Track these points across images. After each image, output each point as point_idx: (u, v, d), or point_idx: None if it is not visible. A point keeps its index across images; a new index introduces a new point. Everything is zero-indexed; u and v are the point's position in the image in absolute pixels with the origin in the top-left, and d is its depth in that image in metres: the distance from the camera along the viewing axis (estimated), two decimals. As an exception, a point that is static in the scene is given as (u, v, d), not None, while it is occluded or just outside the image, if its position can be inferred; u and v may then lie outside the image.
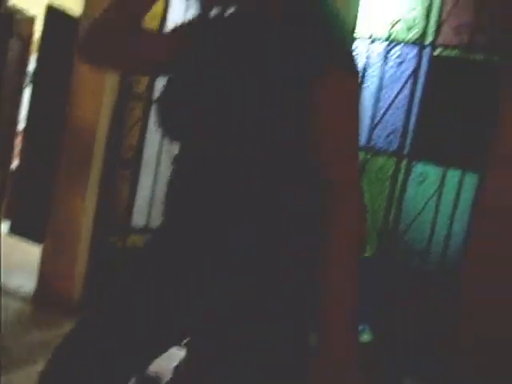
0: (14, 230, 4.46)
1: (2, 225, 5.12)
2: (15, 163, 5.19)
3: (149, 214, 3.80)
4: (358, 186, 1.14)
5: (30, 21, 4.81)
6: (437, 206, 3.05)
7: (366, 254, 3.18)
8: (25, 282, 4.05)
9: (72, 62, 3.84)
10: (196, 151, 1.19)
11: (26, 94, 5.05)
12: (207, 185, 1.16)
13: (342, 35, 1.13)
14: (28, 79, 5.06)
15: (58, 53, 4.35)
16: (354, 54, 1.16)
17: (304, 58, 1.09)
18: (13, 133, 5.07)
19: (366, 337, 2.91)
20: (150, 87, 3.92)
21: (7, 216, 4.92)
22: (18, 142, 5.24)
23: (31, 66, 5.04)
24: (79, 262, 3.90)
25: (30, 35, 4.83)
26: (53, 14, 4.32)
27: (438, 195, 3.07)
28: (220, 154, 1.14)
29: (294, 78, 1.09)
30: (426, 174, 3.11)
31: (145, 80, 3.94)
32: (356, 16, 3.23)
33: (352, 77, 1.14)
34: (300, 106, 1.10)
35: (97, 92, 3.84)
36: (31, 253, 4.36)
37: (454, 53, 3.11)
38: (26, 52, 4.86)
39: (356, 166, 1.15)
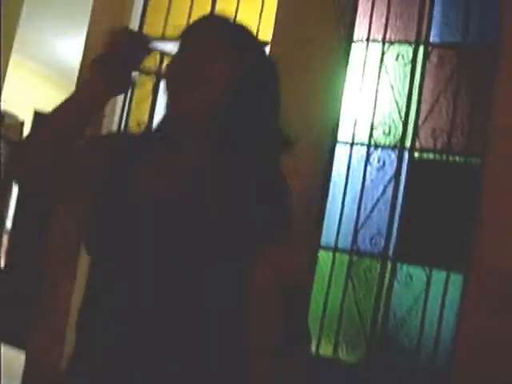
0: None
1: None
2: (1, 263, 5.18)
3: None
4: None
5: (19, 125, 4.91)
6: (424, 306, 3.06)
7: (354, 360, 3.16)
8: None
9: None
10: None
11: (14, 194, 5.09)
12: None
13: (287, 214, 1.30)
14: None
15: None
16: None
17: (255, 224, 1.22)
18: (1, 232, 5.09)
19: None
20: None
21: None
22: (4, 242, 5.25)
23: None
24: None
25: (19, 139, 4.93)
26: (40, 118, 4.42)
27: (424, 295, 3.07)
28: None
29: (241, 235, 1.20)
30: (411, 275, 3.12)
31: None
32: (337, 121, 3.34)
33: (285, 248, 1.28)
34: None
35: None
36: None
37: (432, 156, 3.20)
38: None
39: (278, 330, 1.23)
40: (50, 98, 7.59)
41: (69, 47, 6.42)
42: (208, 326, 1.18)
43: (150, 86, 4.03)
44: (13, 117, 5.28)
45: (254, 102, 1.29)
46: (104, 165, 1.29)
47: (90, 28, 4.06)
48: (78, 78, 4.00)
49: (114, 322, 1.19)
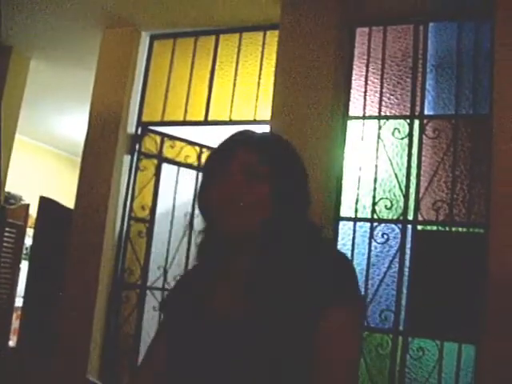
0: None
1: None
2: (12, 342, 5.17)
3: None
4: None
5: (24, 208, 4.98)
6: (439, 381, 3.05)
7: None
8: None
9: (64, 246, 3.97)
10: None
11: (23, 272, 5.12)
12: None
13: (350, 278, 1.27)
14: (24, 257, 5.18)
15: (52, 237, 4.48)
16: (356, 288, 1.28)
17: (319, 297, 1.20)
18: (10, 310, 5.11)
19: None
20: (144, 277, 4.01)
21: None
22: (15, 320, 5.26)
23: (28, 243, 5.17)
24: None
25: (25, 221, 4.99)
26: (46, 202, 4.49)
27: (438, 369, 3.07)
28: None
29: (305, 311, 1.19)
30: (423, 349, 3.12)
31: (137, 269, 4.03)
32: (339, 198, 3.39)
33: (356, 307, 1.27)
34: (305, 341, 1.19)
35: (91, 280, 3.91)
36: None
37: (436, 227, 3.24)
38: (20, 237, 4.99)
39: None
40: (57, 173, 7.76)
41: (72, 125, 6.57)
42: None
43: (152, 169, 4.11)
44: (18, 198, 5.36)
45: (293, 208, 1.33)
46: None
47: (92, 106, 4.15)
48: (83, 153, 4.09)
49: None
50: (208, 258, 1.40)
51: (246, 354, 1.20)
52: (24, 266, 5.10)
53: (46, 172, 7.83)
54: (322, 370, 1.18)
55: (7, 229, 4.83)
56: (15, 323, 5.22)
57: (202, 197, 1.35)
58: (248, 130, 1.43)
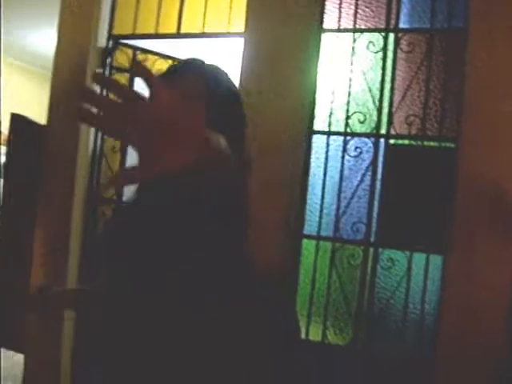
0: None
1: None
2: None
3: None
4: None
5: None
6: (407, 290, 3.17)
7: (342, 343, 3.27)
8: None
9: (38, 163, 3.96)
10: None
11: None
12: None
13: None
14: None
15: (25, 154, 4.45)
16: None
17: None
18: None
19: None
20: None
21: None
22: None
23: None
24: (63, 366, 3.91)
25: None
26: (18, 119, 4.43)
27: (406, 279, 3.18)
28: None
29: None
30: (393, 260, 3.23)
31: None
32: (313, 111, 3.39)
33: None
34: None
35: (66, 196, 3.93)
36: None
37: (408, 141, 3.27)
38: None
39: None
40: (28, 88, 7.60)
41: (42, 39, 6.40)
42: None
43: (124, 83, 4.03)
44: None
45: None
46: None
47: (60, 18, 4.03)
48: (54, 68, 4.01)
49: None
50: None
51: None
52: (-1, 183, 5.09)
53: (15, 88, 7.65)
54: None
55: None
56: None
57: None
58: (192, 59, 1.47)
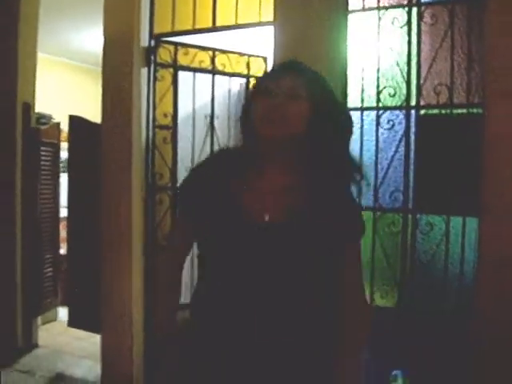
0: (71, 324, 4.86)
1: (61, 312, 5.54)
2: (63, 250, 5.62)
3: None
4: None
5: (56, 126, 5.28)
6: (446, 252, 3.35)
7: (388, 305, 3.49)
8: (92, 367, 4.43)
9: (96, 158, 4.29)
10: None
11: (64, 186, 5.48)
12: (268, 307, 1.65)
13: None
14: (62, 170, 5.54)
15: (84, 152, 4.79)
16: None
17: (343, 231, 1.71)
18: (57, 221, 5.52)
19: (399, 382, 3.20)
20: (173, 179, 4.32)
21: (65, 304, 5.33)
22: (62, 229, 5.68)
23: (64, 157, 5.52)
24: (136, 344, 4.26)
25: (58, 139, 5.31)
26: (75, 121, 4.78)
27: (445, 241, 3.36)
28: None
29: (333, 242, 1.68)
30: (431, 224, 3.40)
31: (166, 173, 4.33)
32: (346, 91, 3.57)
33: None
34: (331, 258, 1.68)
35: (125, 188, 4.24)
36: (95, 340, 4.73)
37: (437, 111, 3.42)
38: (56, 153, 5.33)
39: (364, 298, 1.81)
40: (84, 85, 7.98)
41: (92, 38, 6.74)
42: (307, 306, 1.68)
43: (169, 78, 4.32)
44: (48, 117, 5.64)
45: (327, 131, 1.71)
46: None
47: (104, 21, 4.31)
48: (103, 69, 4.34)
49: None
50: (241, 160, 1.77)
51: (288, 254, 1.63)
52: (64, 178, 5.46)
53: (71, 86, 8.06)
54: (347, 281, 1.72)
55: (43, 148, 5.15)
56: (63, 232, 5.64)
57: (250, 110, 1.72)
58: (292, 61, 1.79)
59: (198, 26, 4.14)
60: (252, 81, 4.66)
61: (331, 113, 1.72)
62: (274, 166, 1.71)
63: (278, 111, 1.63)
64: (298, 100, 1.65)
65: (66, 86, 7.95)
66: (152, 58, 4.25)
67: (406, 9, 3.46)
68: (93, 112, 4.91)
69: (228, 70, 4.56)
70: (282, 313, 1.64)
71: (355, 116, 3.57)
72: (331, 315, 1.71)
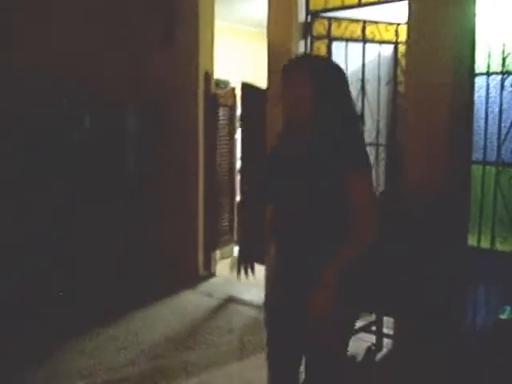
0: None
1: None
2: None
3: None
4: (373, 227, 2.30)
5: (231, 91, 6.18)
6: None
7: (507, 250, 3.91)
8: (259, 294, 5.28)
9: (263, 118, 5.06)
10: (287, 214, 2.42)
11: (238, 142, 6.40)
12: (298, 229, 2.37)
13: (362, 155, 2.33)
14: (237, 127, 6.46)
15: (254, 113, 5.63)
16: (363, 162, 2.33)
17: (343, 166, 2.27)
18: (234, 172, 6.46)
19: (506, 314, 3.66)
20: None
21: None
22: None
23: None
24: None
25: (233, 102, 6.21)
26: (246, 88, 5.64)
27: None
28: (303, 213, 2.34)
29: (338, 175, 2.27)
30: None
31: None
32: (473, 57, 3.98)
33: (365, 171, 2.33)
34: (339, 187, 2.27)
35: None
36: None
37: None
38: (232, 114, 6.24)
39: (373, 215, 2.31)
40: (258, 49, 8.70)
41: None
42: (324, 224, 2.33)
43: (323, 48, 4.97)
44: (226, 83, 6.58)
45: (331, 106, 2.33)
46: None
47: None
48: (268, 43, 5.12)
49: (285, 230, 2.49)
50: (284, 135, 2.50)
51: (311, 185, 2.29)
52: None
53: (246, 51, 8.71)
54: (352, 202, 2.26)
55: (221, 109, 6.10)
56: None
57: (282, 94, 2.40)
58: (305, 55, 2.57)
59: (346, 3, 4.73)
60: (400, 46, 5.15)
61: (330, 92, 2.30)
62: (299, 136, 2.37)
63: (291, 97, 2.29)
64: (303, 87, 2.26)
65: (238, 48, 8.64)
66: (308, 31, 4.92)
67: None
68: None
69: (378, 38, 5.09)
70: (307, 221, 2.31)
71: (481, 80, 3.99)
72: (342, 223, 2.26)
